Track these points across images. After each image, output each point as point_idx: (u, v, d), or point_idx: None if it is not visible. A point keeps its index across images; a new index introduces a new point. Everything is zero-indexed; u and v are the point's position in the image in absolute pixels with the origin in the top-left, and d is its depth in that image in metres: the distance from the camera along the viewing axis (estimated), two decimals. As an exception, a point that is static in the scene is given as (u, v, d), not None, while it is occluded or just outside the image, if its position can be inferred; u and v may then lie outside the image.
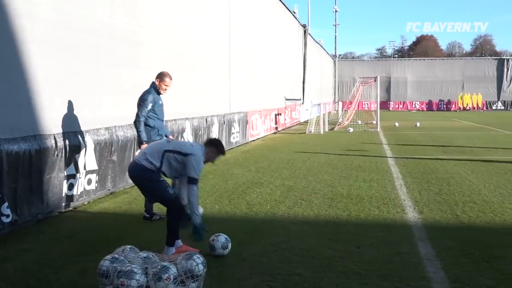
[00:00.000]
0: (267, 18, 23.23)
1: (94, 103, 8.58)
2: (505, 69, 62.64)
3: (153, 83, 7.46)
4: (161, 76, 7.44)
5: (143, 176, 5.52)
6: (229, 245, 5.75)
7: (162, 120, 7.62)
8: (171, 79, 7.50)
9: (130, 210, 8.05)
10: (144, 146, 7.24)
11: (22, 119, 6.90)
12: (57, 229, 6.95)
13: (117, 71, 9.29)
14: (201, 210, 5.95)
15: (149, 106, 7.30)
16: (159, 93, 7.49)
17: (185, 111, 12.70)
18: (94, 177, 8.43)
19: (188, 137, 12.73)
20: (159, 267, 4.25)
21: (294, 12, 31.55)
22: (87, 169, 8.22)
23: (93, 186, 8.41)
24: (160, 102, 7.49)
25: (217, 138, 5.89)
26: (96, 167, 8.38)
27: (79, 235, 6.68)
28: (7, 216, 6.39)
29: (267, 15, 23.27)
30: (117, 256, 4.51)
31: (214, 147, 5.79)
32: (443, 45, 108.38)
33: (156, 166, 5.46)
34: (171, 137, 7.83)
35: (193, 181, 5.45)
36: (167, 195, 5.58)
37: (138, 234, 6.66)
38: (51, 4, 7.53)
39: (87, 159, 8.17)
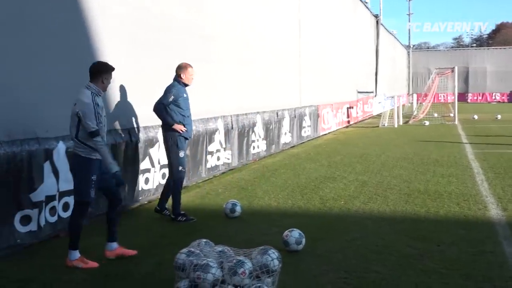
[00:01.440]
0: (338, 9, 22.84)
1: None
2: None
3: (175, 77, 7.23)
4: (182, 68, 7.19)
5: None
6: (303, 240, 5.67)
7: (188, 116, 7.29)
8: (192, 67, 7.27)
9: (204, 204, 8.13)
10: (179, 126, 7.05)
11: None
12: (134, 222, 7.11)
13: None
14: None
15: (171, 98, 7.06)
16: (185, 85, 7.24)
17: (256, 105, 12.71)
18: (168, 171, 8.55)
19: (259, 131, 12.74)
20: (234, 261, 4.22)
21: (366, 2, 30.90)
22: (161, 163, 8.36)
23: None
24: (185, 95, 7.21)
25: (93, 63, 5.56)
26: (170, 161, 8.50)
27: (155, 228, 6.81)
28: None
29: (338, 5, 22.86)
30: (193, 249, 4.52)
31: (98, 75, 5.34)
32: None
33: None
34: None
35: (92, 134, 5.13)
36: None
37: (212, 228, 6.70)
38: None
39: (161, 153, 8.30)
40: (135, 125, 7.75)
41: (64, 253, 5.37)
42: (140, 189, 7.90)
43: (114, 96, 7.40)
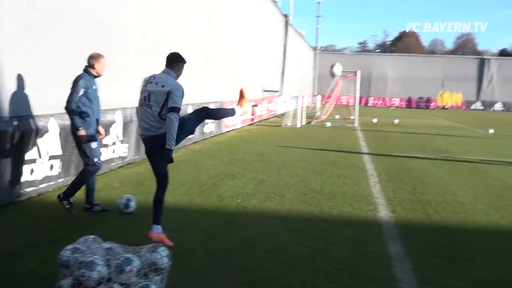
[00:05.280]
0: (248, 5, 22.93)
1: (60, 84, 8.19)
2: (486, 69, 63.44)
3: (85, 67, 6.90)
4: (95, 58, 6.89)
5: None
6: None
7: (98, 109, 7.04)
8: (104, 57, 7.02)
9: (97, 199, 7.74)
10: (82, 132, 6.73)
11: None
12: (20, 216, 6.72)
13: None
14: None
15: (81, 92, 6.73)
16: (94, 76, 6.93)
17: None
18: (57, 163, 8.12)
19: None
20: (122, 258, 4.09)
21: (276, 1, 31.31)
22: (50, 154, 7.94)
23: (55, 172, 8.11)
24: (94, 87, 6.92)
25: (172, 53, 6.13)
26: (60, 152, 8.09)
27: (42, 222, 6.47)
28: None
29: (248, 2, 22.95)
30: (79, 246, 4.33)
31: (177, 63, 6.00)
32: (426, 42, 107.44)
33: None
34: (100, 130, 7.24)
35: (176, 109, 5.61)
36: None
37: (104, 224, 6.48)
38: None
39: (51, 144, 7.89)
40: (22, 113, 7.25)
41: None
42: (24, 180, 7.44)
43: (6, 82, 6.96)
